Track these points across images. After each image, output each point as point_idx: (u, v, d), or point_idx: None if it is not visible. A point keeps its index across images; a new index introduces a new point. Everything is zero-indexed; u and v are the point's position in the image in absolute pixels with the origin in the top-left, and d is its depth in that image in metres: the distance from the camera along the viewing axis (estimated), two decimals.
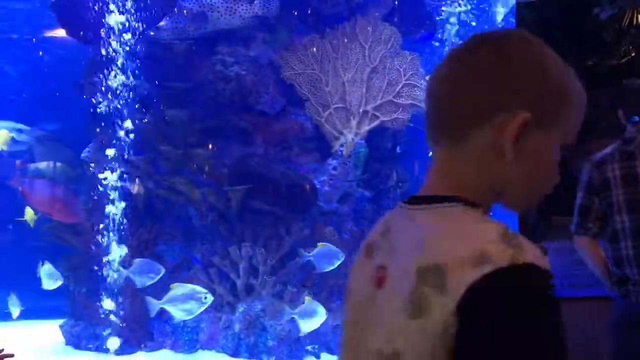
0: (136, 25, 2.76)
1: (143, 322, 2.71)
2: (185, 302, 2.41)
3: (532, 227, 4.36)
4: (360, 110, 2.99)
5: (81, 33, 2.91)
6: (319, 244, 2.63)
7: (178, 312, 2.43)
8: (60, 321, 2.98)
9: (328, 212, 2.94)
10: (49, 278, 2.76)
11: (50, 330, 3.00)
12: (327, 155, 2.97)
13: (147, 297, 2.48)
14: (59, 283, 2.78)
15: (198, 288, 2.45)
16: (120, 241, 2.72)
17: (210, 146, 2.77)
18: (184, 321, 2.74)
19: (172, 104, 2.75)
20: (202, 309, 2.43)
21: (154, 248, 2.78)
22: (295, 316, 2.45)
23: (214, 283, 2.67)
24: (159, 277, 2.53)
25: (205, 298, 2.40)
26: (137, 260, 2.57)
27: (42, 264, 2.74)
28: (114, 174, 2.76)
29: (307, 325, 2.47)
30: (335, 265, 2.58)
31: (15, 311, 3.02)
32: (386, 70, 3.01)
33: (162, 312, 2.64)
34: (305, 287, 2.80)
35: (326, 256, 2.57)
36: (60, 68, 3.40)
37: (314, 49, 2.97)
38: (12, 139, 3.20)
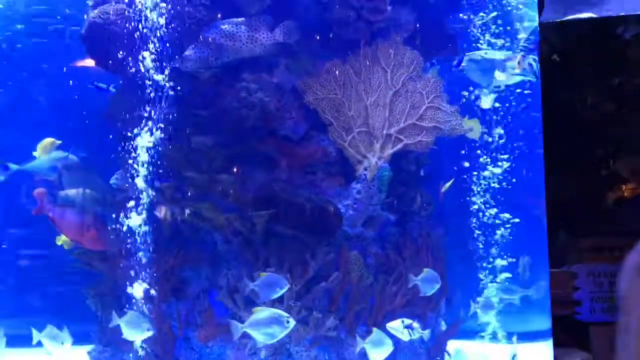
0: (163, 55, 2.82)
1: (169, 348, 2.71)
2: (268, 326, 2.41)
3: (562, 249, 4.26)
4: (384, 133, 2.99)
5: (110, 62, 2.99)
6: (425, 269, 2.80)
7: (261, 336, 2.43)
8: (88, 347, 3.01)
9: (353, 236, 2.93)
10: (134, 327, 2.57)
11: (78, 357, 3.03)
12: (351, 179, 2.97)
13: (231, 320, 2.49)
14: (149, 333, 2.56)
15: (280, 312, 2.46)
16: (147, 266, 2.75)
17: (234, 171, 2.80)
18: (209, 347, 2.75)
19: (198, 131, 2.80)
20: (285, 333, 2.42)
21: (181, 273, 2.80)
22: (366, 346, 2.52)
23: (239, 309, 2.67)
24: (283, 291, 2.54)
25: (288, 322, 2.40)
26: (263, 274, 2.57)
27: (126, 313, 2.59)
28: (141, 200, 2.80)
29: (377, 355, 2.54)
30: (435, 289, 2.76)
31: (69, 342, 2.92)
32: (409, 93, 3.02)
33: (187, 338, 2.66)
34: (331, 313, 2.78)
35: (429, 281, 2.78)
36: (89, 97, 3.49)
37: (336, 74, 2.99)
38: (58, 150, 3.10)
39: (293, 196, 2.74)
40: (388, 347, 2.53)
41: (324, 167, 2.98)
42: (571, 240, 4.21)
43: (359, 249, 2.91)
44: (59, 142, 3.20)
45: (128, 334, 2.59)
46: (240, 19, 2.89)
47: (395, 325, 2.52)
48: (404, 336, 2.48)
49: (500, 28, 3.20)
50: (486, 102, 3.06)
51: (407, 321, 2.47)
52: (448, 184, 2.96)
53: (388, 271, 2.94)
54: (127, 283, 2.81)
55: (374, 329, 2.57)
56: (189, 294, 2.81)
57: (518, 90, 3.16)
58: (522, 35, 3.12)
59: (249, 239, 2.76)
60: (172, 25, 2.86)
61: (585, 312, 3.74)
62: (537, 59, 3.08)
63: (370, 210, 2.94)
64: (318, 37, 3.06)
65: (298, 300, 2.68)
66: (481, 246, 3.23)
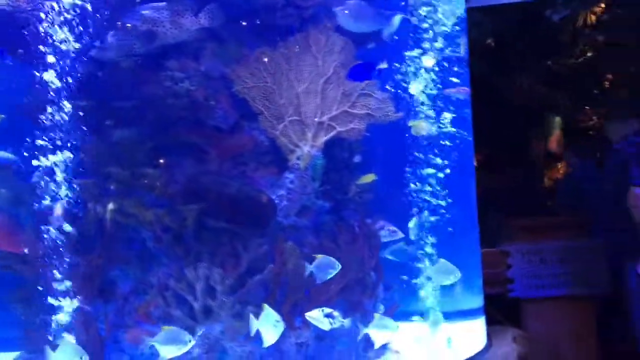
0: (79, 44, 2.66)
1: (98, 352, 2.60)
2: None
3: (493, 229, 4.39)
4: (316, 121, 2.95)
5: (20, 52, 2.80)
6: (441, 259, 2.95)
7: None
8: (14, 354, 2.85)
9: (287, 226, 2.89)
10: (172, 343, 2.35)
11: None
12: (284, 169, 2.92)
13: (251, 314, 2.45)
14: (191, 344, 2.38)
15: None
16: (70, 268, 2.61)
17: (161, 165, 2.69)
18: (141, 349, 2.65)
19: (120, 124, 2.67)
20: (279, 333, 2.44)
21: (107, 273, 2.68)
22: (368, 330, 2.67)
23: (170, 307, 2.59)
24: (335, 272, 2.65)
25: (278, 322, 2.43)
26: (319, 256, 2.66)
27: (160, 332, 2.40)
28: (62, 198, 2.65)
29: (381, 337, 2.72)
30: (452, 281, 2.96)
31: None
32: (340, 80, 2.98)
33: (117, 340, 2.55)
34: (268, 305, 2.74)
35: (442, 272, 3.02)
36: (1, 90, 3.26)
37: (266, 61, 2.92)
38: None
39: (224, 188, 2.67)
40: (394, 329, 2.68)
41: (256, 157, 2.91)
42: (504, 220, 4.36)
43: (294, 239, 2.87)
44: (2, 116, 2.96)
45: (167, 351, 2.38)
46: (162, 3, 2.76)
47: (315, 315, 2.49)
48: (325, 325, 2.46)
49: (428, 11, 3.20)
50: (415, 87, 3.07)
51: (327, 310, 2.45)
52: (368, 177, 2.93)
53: None
54: (51, 286, 2.66)
55: (376, 315, 2.69)
56: (117, 295, 2.70)
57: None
58: (450, 21, 3.14)
59: (180, 234, 2.67)
60: (90, 11, 2.70)
61: (518, 289, 3.89)
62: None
63: (304, 199, 2.91)
64: (246, 23, 2.97)
65: (232, 294, 2.62)
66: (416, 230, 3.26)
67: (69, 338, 2.61)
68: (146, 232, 2.68)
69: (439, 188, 3.17)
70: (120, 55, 2.75)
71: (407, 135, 3.25)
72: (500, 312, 4.01)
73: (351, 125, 2.97)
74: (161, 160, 2.69)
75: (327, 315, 2.44)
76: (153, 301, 2.63)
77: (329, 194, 3.03)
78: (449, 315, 3.06)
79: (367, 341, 2.93)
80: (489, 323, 3.55)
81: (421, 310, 3.28)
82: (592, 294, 3.95)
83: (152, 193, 2.66)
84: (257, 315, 2.59)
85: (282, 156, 2.93)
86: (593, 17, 5.55)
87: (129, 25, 2.70)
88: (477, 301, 3.23)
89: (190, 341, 2.39)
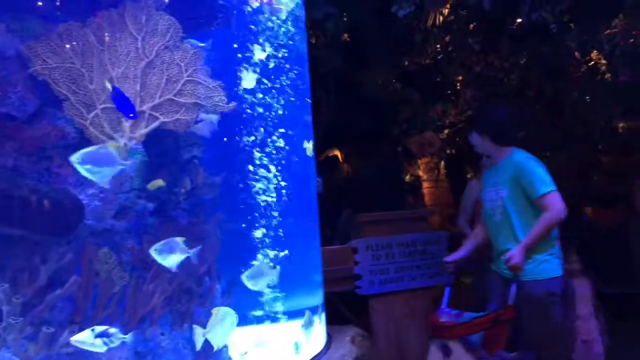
0: None
1: None
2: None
3: (346, 225, 4.29)
4: (135, 110, 2.60)
5: None
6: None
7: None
8: None
9: (101, 230, 2.51)
10: None
11: None
12: None
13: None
14: None
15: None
16: None
17: None
18: None
19: None
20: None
21: None
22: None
23: None
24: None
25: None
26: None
27: None
28: None
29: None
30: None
31: None
32: (164, 65, 2.66)
33: None
34: (75, 324, 2.35)
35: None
36: None
37: (73, 39, 2.51)
38: None
39: (13, 188, 2.23)
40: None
41: (62, 151, 2.50)
42: (353, 216, 4.32)
43: (110, 244, 2.51)
44: None
45: None
46: None
47: (84, 337, 2.10)
48: (98, 347, 2.10)
49: None
50: (248, 81, 2.85)
51: (99, 328, 2.12)
52: (157, 183, 2.62)
53: (147, 267, 2.59)
54: None
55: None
56: None
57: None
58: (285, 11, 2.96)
59: None
60: None
61: (365, 285, 3.85)
62: None
63: (122, 199, 2.55)
64: None
65: (24, 314, 2.20)
66: (260, 231, 3.05)
67: None
68: None
69: (277, 184, 2.98)
70: None
71: (244, 130, 3.02)
72: (350, 309, 3.95)
73: (177, 116, 2.67)
74: None
75: (101, 335, 2.10)
76: None
77: (153, 192, 2.69)
78: (288, 315, 2.88)
79: (198, 355, 2.67)
80: (339, 321, 3.46)
81: (260, 313, 3.08)
82: (436, 284, 4.04)
83: None
84: (53, 337, 2.20)
85: None
86: (441, 18, 5.77)
87: None
88: (317, 299, 3.10)
89: None
